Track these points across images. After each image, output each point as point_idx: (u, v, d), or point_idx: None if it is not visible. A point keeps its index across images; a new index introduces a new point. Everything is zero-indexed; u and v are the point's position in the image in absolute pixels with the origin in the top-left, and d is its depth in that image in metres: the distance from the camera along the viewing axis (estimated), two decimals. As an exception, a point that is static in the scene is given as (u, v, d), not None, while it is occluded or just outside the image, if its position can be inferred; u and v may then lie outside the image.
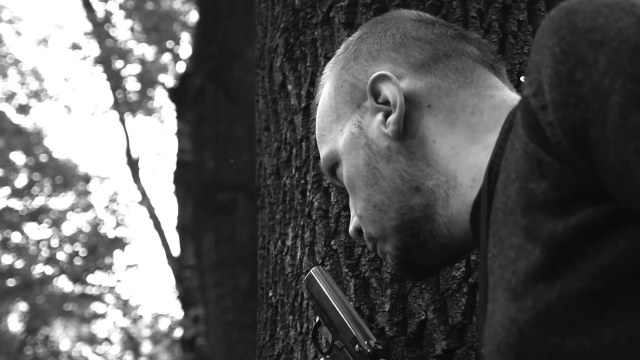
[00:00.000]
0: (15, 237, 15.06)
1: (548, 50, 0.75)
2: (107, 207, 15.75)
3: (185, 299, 8.71)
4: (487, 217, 0.89)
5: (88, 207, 15.73)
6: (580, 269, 0.72)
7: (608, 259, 0.71)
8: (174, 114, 9.21)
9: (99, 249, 15.16)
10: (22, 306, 15.53)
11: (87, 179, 15.60)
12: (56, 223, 15.53)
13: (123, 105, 13.77)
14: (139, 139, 21.77)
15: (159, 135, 26.03)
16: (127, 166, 13.81)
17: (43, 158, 15.16)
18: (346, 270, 1.59)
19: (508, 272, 0.79)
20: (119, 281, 17.49)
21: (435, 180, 1.01)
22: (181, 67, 11.95)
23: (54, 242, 15.48)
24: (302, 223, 1.71)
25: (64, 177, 15.13)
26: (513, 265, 0.78)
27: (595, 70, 0.71)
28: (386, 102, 1.04)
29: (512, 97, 1.04)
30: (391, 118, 1.03)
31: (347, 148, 1.07)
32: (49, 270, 15.28)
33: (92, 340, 16.39)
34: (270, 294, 1.79)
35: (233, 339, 6.55)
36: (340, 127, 1.10)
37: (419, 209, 1.02)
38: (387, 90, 1.04)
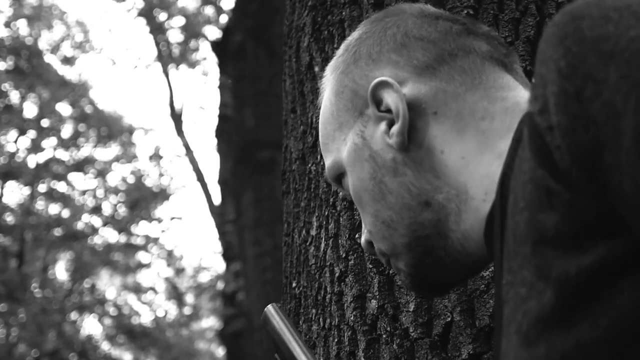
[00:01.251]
0: (61, 187, 15.27)
1: (553, 63, 0.66)
2: (151, 158, 15.88)
3: (227, 253, 8.76)
4: (500, 236, 0.80)
5: (132, 158, 15.87)
6: (598, 315, 0.64)
7: (628, 302, 0.63)
8: (217, 67, 9.18)
9: (143, 200, 15.31)
10: (69, 255, 15.80)
11: (131, 130, 15.71)
12: (101, 174, 15.70)
13: (166, 58, 13.77)
14: (182, 91, 21.81)
15: (201, 89, 26.06)
16: (171, 118, 13.85)
17: (88, 109, 15.28)
18: (370, 266, 1.53)
19: (519, 313, 0.71)
20: (163, 232, 17.68)
21: (445, 194, 0.92)
22: (224, 20, 11.87)
23: (99, 193, 15.67)
24: (326, 213, 1.64)
25: (109, 128, 15.24)
26: (524, 305, 0.70)
27: (606, 88, 0.61)
28: (389, 110, 0.95)
29: (526, 98, 0.93)
30: (394, 129, 0.94)
31: (351, 160, 0.99)
32: (94, 220, 15.48)
33: (137, 289, 16.65)
34: (294, 284, 1.74)
35: (272, 298, 6.56)
36: (343, 137, 1.01)
37: (429, 225, 0.94)
38: (389, 98, 0.95)
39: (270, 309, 1.18)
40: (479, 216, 0.90)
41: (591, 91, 0.62)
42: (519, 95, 0.96)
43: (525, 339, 0.70)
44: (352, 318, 1.53)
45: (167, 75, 13.97)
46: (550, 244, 0.68)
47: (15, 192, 16.40)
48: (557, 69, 0.65)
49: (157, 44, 13.58)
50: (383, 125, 0.96)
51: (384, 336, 1.48)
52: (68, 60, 14.84)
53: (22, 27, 14.29)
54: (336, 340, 1.56)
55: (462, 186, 0.92)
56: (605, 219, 0.64)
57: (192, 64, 14.36)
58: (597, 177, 0.63)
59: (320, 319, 1.62)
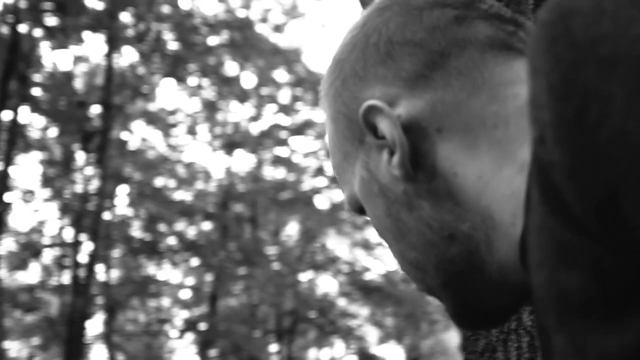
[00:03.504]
0: (284, 152, 15.78)
1: (544, 77, 0.50)
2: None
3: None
4: None
5: (349, 117, 16.13)
6: None
7: None
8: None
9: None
10: (298, 217, 16.34)
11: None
12: (321, 135, 16.06)
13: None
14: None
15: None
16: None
17: (302, 74, 15.63)
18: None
19: None
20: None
21: (470, 222, 0.76)
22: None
23: (321, 154, 16.05)
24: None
25: (323, 90, 15.56)
26: None
27: (613, 108, 0.46)
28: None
29: None
30: (395, 160, 0.78)
31: (363, 196, 0.85)
32: (318, 181, 15.89)
33: (366, 246, 16.96)
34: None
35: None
36: (351, 169, 0.87)
37: (460, 261, 0.78)
38: (382, 125, 0.79)
39: None
40: (511, 242, 0.73)
41: (595, 114, 0.47)
42: None
43: None
44: (529, 323, 1.38)
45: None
46: (578, 313, 0.53)
47: (242, 160, 17.12)
48: (549, 87, 0.50)
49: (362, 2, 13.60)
50: (385, 155, 0.81)
51: (565, 343, 1.32)
52: (278, 28, 15.20)
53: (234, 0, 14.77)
54: (515, 345, 1.41)
55: (486, 211, 0.75)
56: None
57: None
58: (619, 227, 0.48)
59: (498, 321, 1.48)
